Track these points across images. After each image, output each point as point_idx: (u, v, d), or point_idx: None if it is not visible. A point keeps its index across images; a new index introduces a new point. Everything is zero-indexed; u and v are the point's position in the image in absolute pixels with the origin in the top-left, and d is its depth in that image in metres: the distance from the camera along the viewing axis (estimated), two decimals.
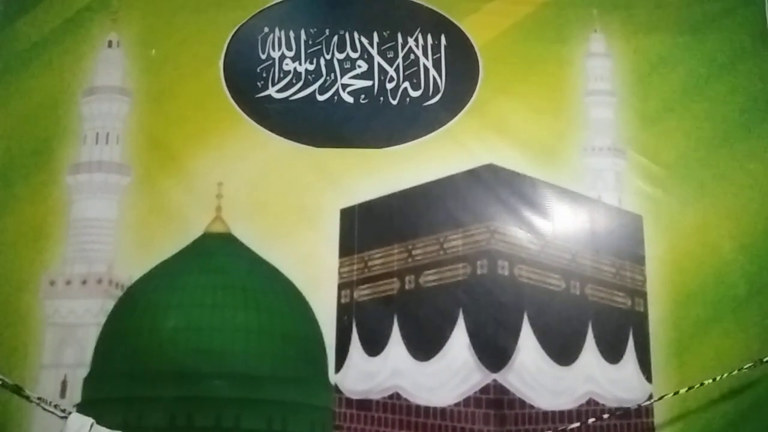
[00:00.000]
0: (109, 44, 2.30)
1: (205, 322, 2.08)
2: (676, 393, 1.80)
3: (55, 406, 1.66)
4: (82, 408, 1.99)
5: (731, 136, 2.19)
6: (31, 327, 2.07)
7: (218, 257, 2.14)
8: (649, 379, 2.05)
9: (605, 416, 1.91)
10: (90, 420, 1.62)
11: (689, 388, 1.81)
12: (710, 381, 1.80)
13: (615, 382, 2.07)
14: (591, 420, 1.84)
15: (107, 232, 2.16)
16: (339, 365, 2.06)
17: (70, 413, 1.65)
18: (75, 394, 2.02)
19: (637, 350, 2.09)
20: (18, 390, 1.72)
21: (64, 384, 2.03)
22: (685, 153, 2.19)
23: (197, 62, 2.26)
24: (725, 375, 1.80)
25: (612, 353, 2.09)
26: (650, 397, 2.02)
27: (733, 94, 2.22)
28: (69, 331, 2.07)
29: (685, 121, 2.22)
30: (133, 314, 2.10)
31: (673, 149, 2.19)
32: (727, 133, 2.20)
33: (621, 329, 2.11)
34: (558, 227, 2.15)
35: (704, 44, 2.27)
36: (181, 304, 2.10)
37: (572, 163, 2.21)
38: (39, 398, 1.69)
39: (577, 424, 1.74)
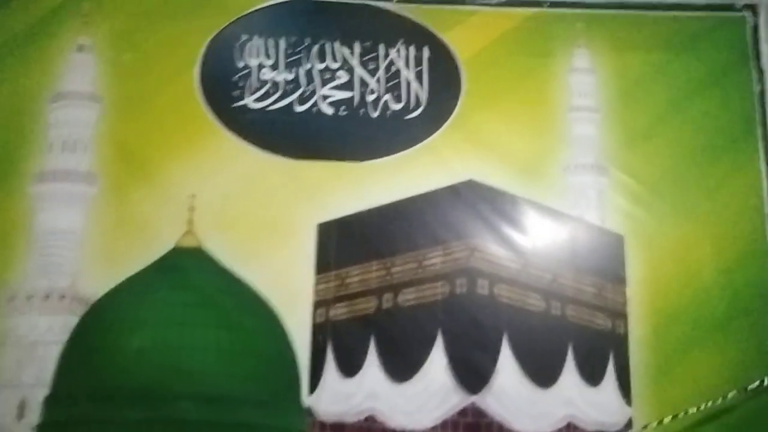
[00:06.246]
0: (80, 48, 2.21)
1: (173, 341, 2.00)
2: (660, 423, 1.76)
3: None
4: (42, 431, 1.90)
5: (713, 155, 2.18)
6: None
7: (189, 273, 2.06)
8: (628, 402, 2.02)
9: None
10: None
11: (674, 417, 1.79)
12: (694, 410, 1.77)
13: (595, 405, 2.04)
14: None
15: (72, 245, 2.07)
16: (313, 387, 2.00)
17: None
18: (34, 415, 1.93)
19: (617, 373, 2.06)
20: None
21: (22, 405, 1.94)
22: (667, 171, 2.17)
23: (172, 69, 2.19)
24: (710, 403, 1.77)
25: (592, 376, 2.05)
26: (630, 422, 1.99)
27: (716, 111, 2.22)
28: (28, 350, 1.98)
29: (667, 138, 2.20)
30: (98, 331, 2.01)
31: (656, 167, 2.18)
32: (709, 152, 2.19)
33: (601, 351, 2.08)
34: (539, 246, 2.11)
35: (688, 62, 2.26)
36: (148, 321, 2.01)
37: (554, 181, 2.18)
38: None
39: None
